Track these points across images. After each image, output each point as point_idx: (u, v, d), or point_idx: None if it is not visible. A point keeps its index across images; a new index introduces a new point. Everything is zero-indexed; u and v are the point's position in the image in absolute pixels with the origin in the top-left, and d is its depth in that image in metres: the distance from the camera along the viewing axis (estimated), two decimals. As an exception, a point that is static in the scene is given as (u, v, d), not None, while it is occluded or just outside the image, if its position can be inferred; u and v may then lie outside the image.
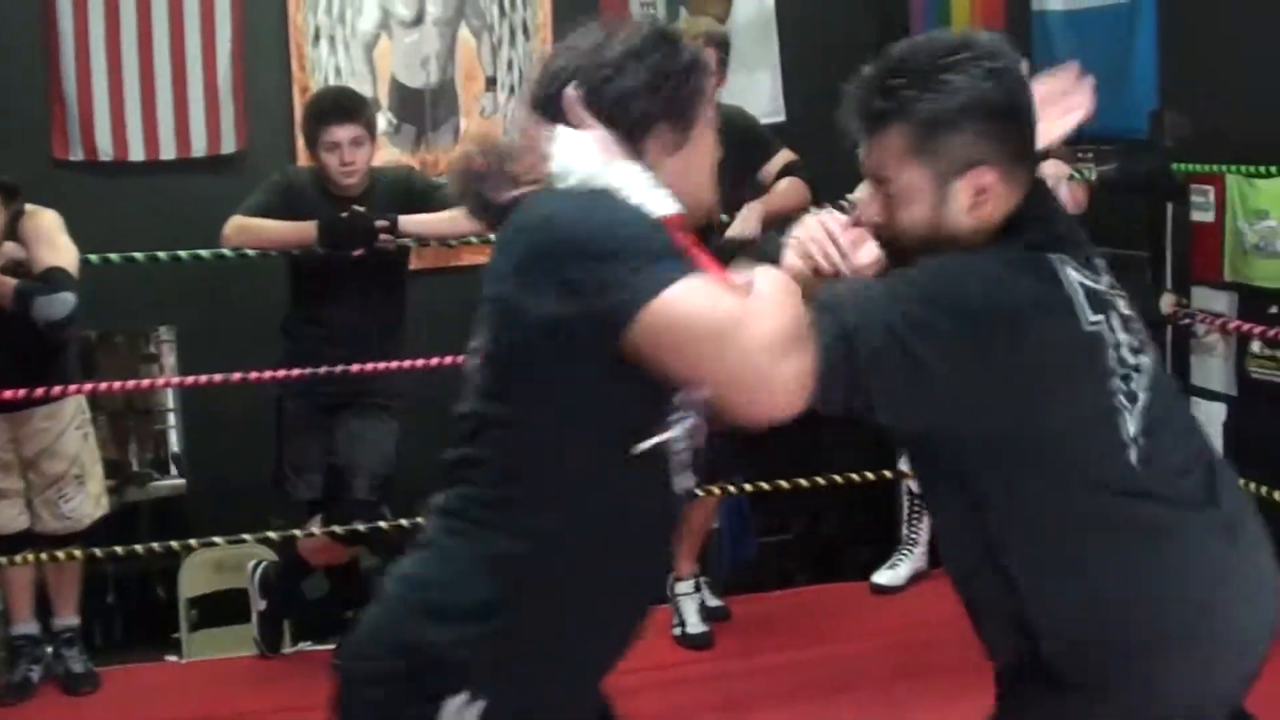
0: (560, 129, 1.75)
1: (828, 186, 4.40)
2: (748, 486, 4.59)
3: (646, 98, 1.77)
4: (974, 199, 1.91)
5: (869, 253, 2.00)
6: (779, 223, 4.67)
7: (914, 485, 4.51)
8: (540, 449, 1.74)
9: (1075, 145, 5.20)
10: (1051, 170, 4.33)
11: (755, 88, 5.71)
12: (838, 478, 4.54)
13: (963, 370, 1.83)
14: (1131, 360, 1.95)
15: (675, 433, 1.75)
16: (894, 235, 1.95)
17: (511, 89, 5.54)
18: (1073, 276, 1.92)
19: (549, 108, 1.78)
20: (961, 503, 1.96)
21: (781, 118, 5.72)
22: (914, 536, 4.64)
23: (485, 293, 1.77)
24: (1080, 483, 1.93)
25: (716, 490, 4.45)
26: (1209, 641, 1.94)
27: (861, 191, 2.00)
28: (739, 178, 4.39)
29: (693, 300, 1.59)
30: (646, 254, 1.63)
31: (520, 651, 1.74)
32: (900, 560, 4.65)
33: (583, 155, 1.73)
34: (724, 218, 4.20)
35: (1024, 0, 5.66)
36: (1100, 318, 1.93)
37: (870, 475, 4.52)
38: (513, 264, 1.71)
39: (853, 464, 4.59)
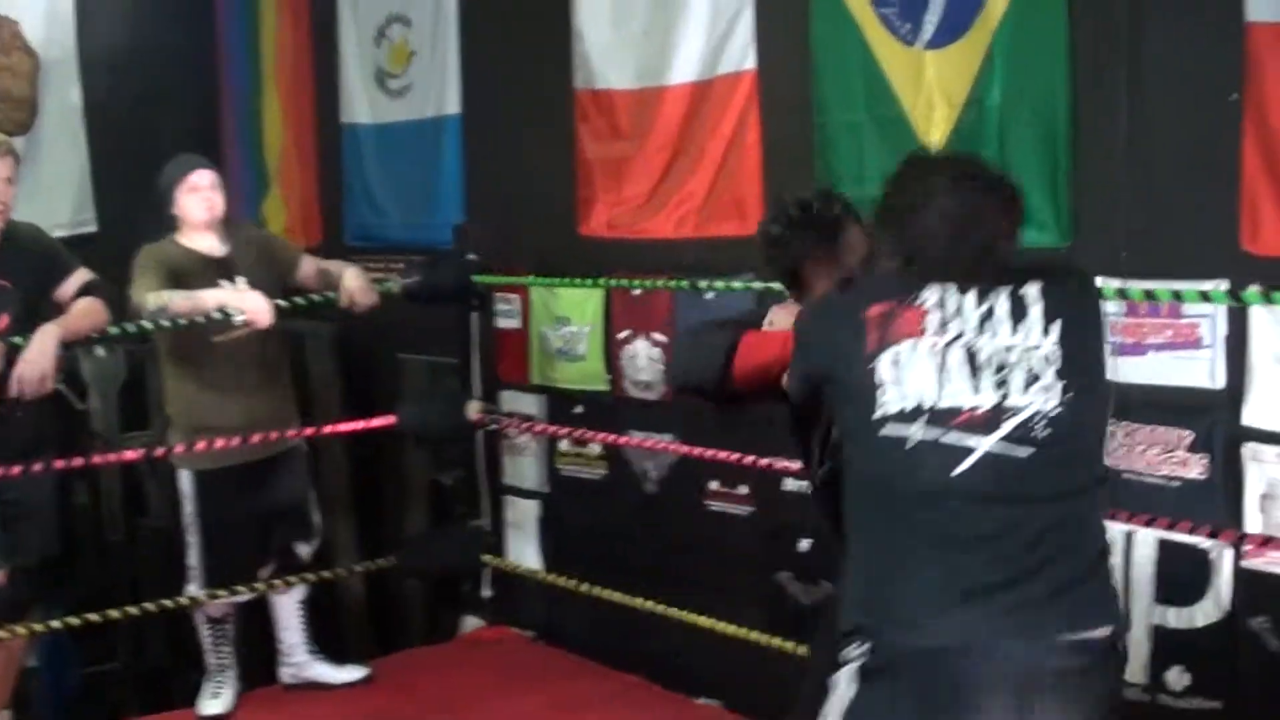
0: None
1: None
2: (56, 624, 4.32)
3: None
4: None
5: None
6: (79, 343, 4.48)
7: (213, 613, 4.43)
8: None
9: (386, 255, 5.37)
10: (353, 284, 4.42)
11: (61, 197, 5.47)
12: (152, 605, 4.38)
13: None
14: None
15: None
16: None
17: None
18: None
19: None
20: None
21: (94, 227, 5.50)
22: (222, 662, 4.50)
23: None
24: None
25: (21, 630, 4.16)
26: None
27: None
28: (34, 298, 4.20)
29: None
30: None
31: None
32: (221, 687, 4.50)
33: None
34: (18, 340, 3.97)
35: (333, 113, 5.78)
36: None
37: (184, 600, 4.40)
38: None
39: (169, 591, 4.44)
